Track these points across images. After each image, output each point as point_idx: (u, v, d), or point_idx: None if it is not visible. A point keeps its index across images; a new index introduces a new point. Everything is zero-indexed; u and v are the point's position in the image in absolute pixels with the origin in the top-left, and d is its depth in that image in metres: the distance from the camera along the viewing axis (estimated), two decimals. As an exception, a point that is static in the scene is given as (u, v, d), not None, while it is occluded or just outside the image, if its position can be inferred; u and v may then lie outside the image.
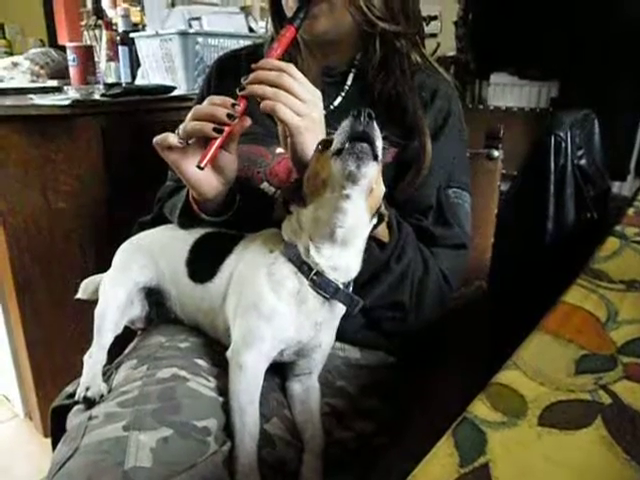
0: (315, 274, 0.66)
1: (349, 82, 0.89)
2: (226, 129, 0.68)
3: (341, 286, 0.67)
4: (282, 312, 0.67)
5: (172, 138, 0.70)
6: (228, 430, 0.65)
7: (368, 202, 0.63)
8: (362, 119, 0.58)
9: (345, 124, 0.60)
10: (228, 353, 0.68)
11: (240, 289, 0.71)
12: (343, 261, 0.67)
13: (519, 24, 2.62)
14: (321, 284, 0.66)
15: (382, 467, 0.72)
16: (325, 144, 0.64)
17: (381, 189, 0.66)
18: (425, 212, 0.83)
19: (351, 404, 0.79)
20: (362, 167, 0.58)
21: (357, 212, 0.63)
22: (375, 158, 0.59)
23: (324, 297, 0.67)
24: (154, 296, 0.83)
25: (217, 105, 0.68)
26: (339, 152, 0.59)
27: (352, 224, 0.64)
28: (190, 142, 0.70)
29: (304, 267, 0.67)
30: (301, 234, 0.67)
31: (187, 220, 0.81)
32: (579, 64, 2.52)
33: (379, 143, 0.59)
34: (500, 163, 1.07)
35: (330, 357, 0.78)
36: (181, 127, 0.70)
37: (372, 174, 0.60)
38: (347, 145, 0.58)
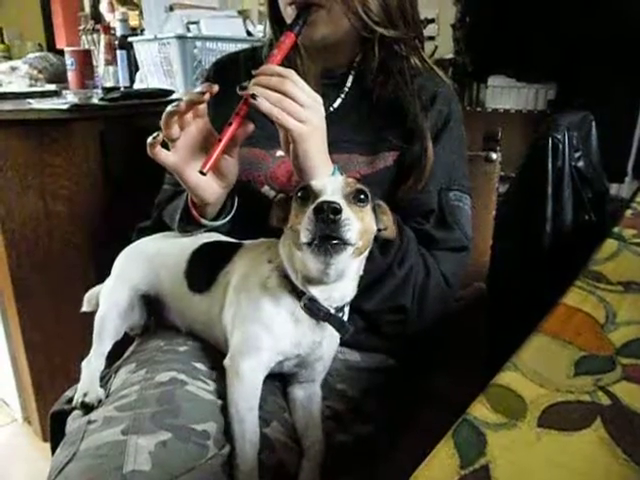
0: (308, 299, 0.66)
1: (349, 84, 0.89)
2: (227, 134, 0.68)
3: (333, 311, 0.67)
4: (281, 323, 0.67)
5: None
6: (227, 434, 0.65)
7: (354, 249, 0.62)
8: (325, 218, 0.56)
9: (308, 222, 0.58)
10: (226, 361, 0.68)
11: (238, 298, 0.70)
12: (336, 292, 0.67)
13: (516, 26, 2.63)
14: (312, 309, 0.67)
15: (382, 470, 0.72)
16: (302, 192, 0.63)
17: (371, 229, 0.65)
18: (426, 215, 0.83)
19: (351, 407, 0.79)
20: (332, 261, 0.60)
21: (342, 265, 0.63)
22: (346, 242, 0.58)
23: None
24: (153, 304, 0.83)
25: None
26: (309, 244, 0.58)
27: (340, 273, 0.64)
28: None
29: (298, 290, 0.67)
30: (294, 262, 0.66)
31: (187, 225, 0.81)
32: (576, 66, 2.53)
33: (350, 234, 0.58)
34: (498, 165, 1.07)
35: (330, 360, 0.77)
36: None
37: (346, 255, 0.60)
38: (315, 242, 0.58)
